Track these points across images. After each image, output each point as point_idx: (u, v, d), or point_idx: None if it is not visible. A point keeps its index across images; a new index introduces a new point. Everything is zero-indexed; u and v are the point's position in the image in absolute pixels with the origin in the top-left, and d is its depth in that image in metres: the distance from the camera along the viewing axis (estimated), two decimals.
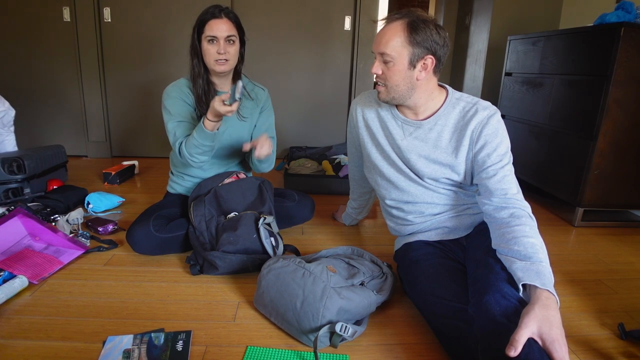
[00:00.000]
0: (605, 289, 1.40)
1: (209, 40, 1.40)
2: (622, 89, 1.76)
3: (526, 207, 1.06)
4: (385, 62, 1.10)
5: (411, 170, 1.24)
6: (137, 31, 2.80)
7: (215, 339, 1.05)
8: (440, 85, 1.21)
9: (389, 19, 1.10)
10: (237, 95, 1.28)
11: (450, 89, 1.21)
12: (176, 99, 1.48)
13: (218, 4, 1.45)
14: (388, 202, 1.33)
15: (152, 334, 1.04)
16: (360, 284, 1.12)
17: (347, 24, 2.91)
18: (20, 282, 1.21)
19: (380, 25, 1.14)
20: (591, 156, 1.86)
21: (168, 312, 1.16)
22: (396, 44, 1.07)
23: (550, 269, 0.92)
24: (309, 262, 1.18)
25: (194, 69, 1.47)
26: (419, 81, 1.12)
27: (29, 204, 1.72)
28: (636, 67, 1.74)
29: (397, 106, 1.24)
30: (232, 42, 1.42)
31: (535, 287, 0.86)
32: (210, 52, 1.40)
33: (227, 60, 1.43)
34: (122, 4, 2.74)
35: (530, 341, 0.76)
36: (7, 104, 2.12)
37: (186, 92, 1.50)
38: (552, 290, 0.86)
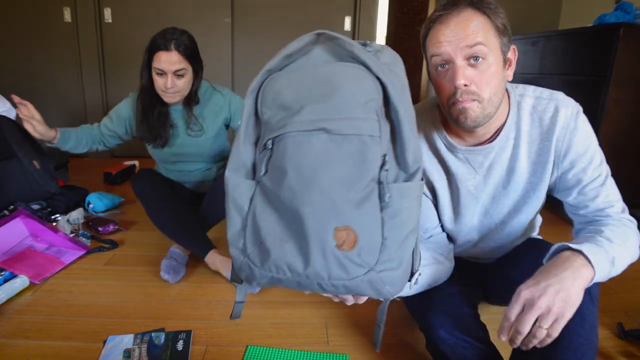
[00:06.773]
0: (604, 289, 1.40)
1: (157, 73, 1.33)
2: (622, 89, 1.77)
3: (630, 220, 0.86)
4: (474, 67, 0.74)
5: (491, 214, 0.94)
6: (138, 32, 2.80)
7: (216, 339, 1.05)
8: None
9: (450, 7, 0.75)
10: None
11: (507, 85, 0.86)
12: (122, 111, 1.54)
13: (174, 26, 1.37)
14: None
15: (153, 334, 1.04)
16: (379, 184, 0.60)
17: (347, 24, 2.91)
18: (21, 281, 1.22)
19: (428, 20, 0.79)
20: None
21: (168, 311, 1.16)
22: (486, 32, 0.73)
23: (610, 254, 0.74)
24: None
25: (142, 89, 1.41)
26: (507, 83, 0.83)
27: (30, 204, 1.73)
28: (636, 67, 1.74)
29: (445, 128, 0.88)
30: (181, 75, 1.34)
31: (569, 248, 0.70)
32: (158, 83, 1.34)
33: (175, 92, 1.36)
34: (123, 4, 2.75)
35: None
36: (8, 104, 2.13)
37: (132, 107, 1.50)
38: (589, 255, 0.69)
